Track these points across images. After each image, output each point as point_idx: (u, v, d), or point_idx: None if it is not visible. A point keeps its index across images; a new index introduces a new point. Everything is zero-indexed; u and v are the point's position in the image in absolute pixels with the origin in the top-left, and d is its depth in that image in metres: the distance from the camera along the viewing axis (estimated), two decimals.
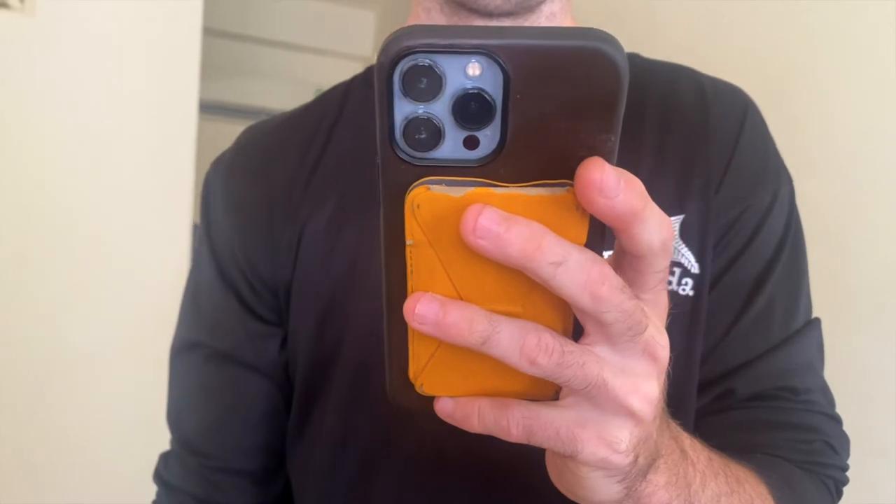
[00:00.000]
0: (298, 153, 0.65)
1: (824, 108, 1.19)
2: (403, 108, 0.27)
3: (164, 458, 0.67)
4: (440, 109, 0.27)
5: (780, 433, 0.55)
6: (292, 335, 0.63)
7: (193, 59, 1.63)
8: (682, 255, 0.57)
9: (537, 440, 0.31)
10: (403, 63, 0.26)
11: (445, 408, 0.33)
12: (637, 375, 0.31)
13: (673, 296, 0.57)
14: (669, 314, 0.34)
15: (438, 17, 0.63)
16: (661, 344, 0.31)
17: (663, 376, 0.32)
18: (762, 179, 0.59)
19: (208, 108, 1.95)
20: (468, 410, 0.33)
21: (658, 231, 0.29)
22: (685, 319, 0.57)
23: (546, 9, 0.62)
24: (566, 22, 0.65)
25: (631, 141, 0.59)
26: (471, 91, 0.26)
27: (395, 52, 0.26)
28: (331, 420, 0.60)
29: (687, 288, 0.57)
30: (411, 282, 0.30)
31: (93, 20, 1.52)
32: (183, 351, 0.67)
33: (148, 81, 1.58)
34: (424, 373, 0.33)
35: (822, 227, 1.18)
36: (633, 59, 0.67)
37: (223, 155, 0.70)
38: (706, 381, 0.58)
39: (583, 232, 0.29)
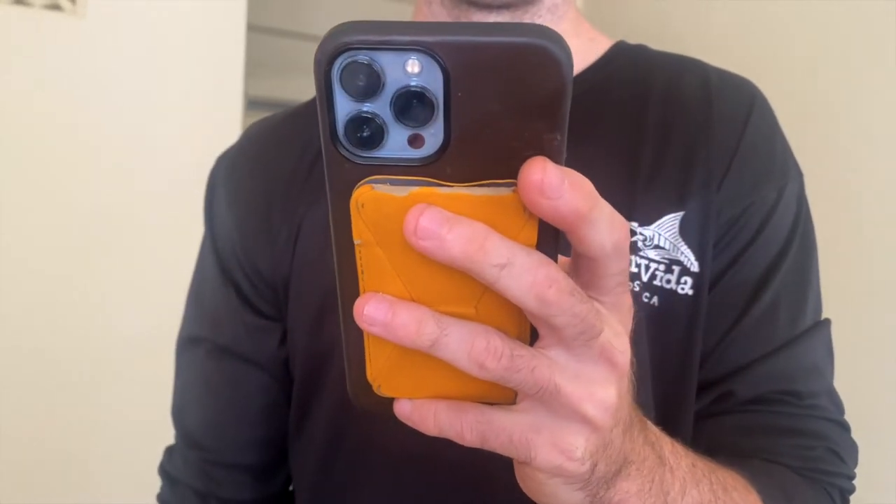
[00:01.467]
0: (299, 148, 0.65)
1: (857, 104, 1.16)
2: (345, 106, 0.26)
3: (169, 451, 0.68)
4: (381, 107, 0.26)
5: (781, 438, 0.53)
6: (291, 330, 0.63)
7: (238, 56, 1.64)
8: (682, 252, 0.55)
9: (491, 445, 0.31)
10: (341, 60, 0.25)
11: (403, 410, 0.33)
12: (592, 381, 0.30)
13: (671, 294, 0.55)
14: (636, 317, 0.33)
15: (439, 11, 0.62)
16: (619, 349, 0.30)
17: (625, 382, 0.31)
18: (767, 175, 0.57)
19: (254, 105, 1.96)
20: (425, 413, 0.32)
21: (609, 233, 0.28)
22: (684, 319, 0.55)
23: (548, 1, 0.61)
24: (570, 14, 0.64)
25: (630, 137, 0.58)
26: (410, 89, 0.26)
27: (331, 48, 0.25)
28: (325, 416, 0.60)
29: (686, 287, 0.55)
30: (363, 282, 0.30)
31: (140, 20, 1.54)
32: (186, 346, 0.68)
33: (193, 79, 1.60)
34: (382, 374, 0.33)
35: (848, 223, 1.15)
36: (639, 51, 0.65)
37: (228, 149, 0.71)
38: (706, 383, 0.56)
39: (532, 233, 0.28)
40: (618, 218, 0.28)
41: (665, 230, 0.56)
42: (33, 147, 1.47)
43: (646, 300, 0.55)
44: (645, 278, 0.55)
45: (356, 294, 0.30)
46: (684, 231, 0.56)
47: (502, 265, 0.26)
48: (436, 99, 0.26)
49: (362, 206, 0.28)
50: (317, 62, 0.25)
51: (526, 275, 0.27)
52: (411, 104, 0.26)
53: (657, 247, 0.55)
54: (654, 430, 0.39)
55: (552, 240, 0.29)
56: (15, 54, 1.45)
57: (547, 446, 0.30)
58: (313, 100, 0.71)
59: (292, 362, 0.64)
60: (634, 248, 0.55)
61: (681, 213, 0.56)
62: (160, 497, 0.68)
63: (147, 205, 1.55)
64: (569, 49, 0.25)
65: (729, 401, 0.55)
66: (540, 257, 0.27)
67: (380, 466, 0.57)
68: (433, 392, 0.32)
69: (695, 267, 0.55)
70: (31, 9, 1.47)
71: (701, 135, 0.58)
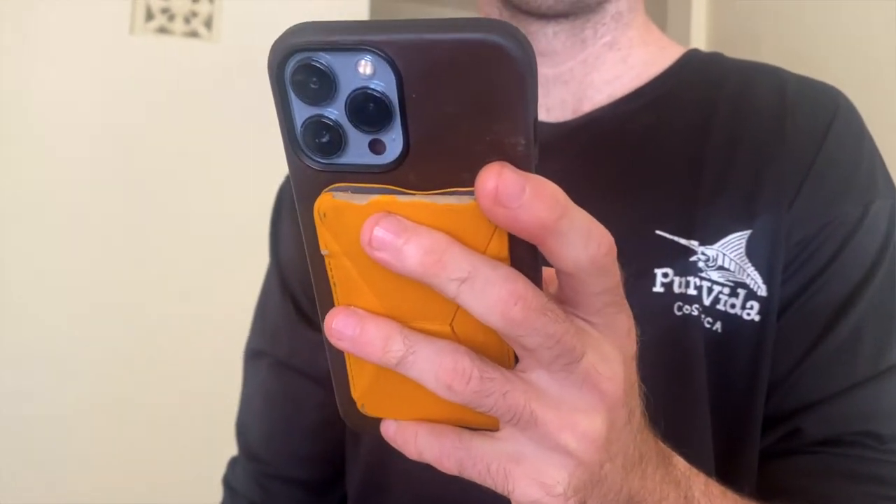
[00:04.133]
0: None
1: None
2: (301, 111, 0.25)
3: (232, 463, 0.69)
4: (338, 112, 0.25)
5: (857, 485, 0.47)
6: None
7: None
8: (749, 275, 0.51)
9: (468, 473, 0.29)
10: (292, 63, 0.24)
11: (388, 431, 0.31)
12: (576, 410, 0.27)
13: (736, 320, 0.51)
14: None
15: None
16: (607, 375, 0.27)
17: (618, 412, 0.28)
18: (849, 191, 0.52)
19: None
20: (407, 435, 0.30)
21: (584, 247, 0.25)
22: (749, 348, 0.51)
23: (611, 7, 0.58)
24: (637, 22, 0.61)
25: (693, 150, 0.54)
26: (364, 91, 0.24)
27: (281, 51, 0.24)
28: (369, 440, 0.59)
29: (752, 312, 0.51)
30: (336, 295, 0.29)
31: (267, 42, 1.62)
32: (250, 359, 0.69)
33: None
34: (365, 394, 0.31)
35: None
36: (712, 59, 0.61)
37: None
38: (772, 418, 0.51)
39: (502, 245, 0.26)
40: (597, 231, 0.25)
41: (730, 250, 0.51)
42: (174, 166, 1.56)
43: (707, 325, 0.51)
44: (707, 302, 0.51)
45: (331, 307, 0.29)
46: (751, 251, 0.51)
47: (462, 279, 0.24)
48: (391, 102, 0.24)
49: (324, 215, 0.27)
50: (269, 66, 0.25)
51: (489, 290, 0.24)
52: (367, 108, 0.24)
53: (721, 268, 0.51)
54: (683, 467, 0.35)
55: (529, 252, 0.26)
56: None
57: (526, 479, 0.28)
58: None
59: None
60: (695, 269, 0.51)
61: (748, 232, 0.51)
62: None
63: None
64: (527, 45, 0.23)
65: (798, 439, 0.50)
66: (507, 271, 0.25)
67: (415, 500, 0.56)
68: (416, 413, 0.31)
69: (762, 291, 0.51)
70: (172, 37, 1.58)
71: (772, 148, 0.53)
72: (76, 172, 1.52)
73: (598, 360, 0.27)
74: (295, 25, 0.25)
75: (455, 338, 0.28)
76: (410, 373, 0.27)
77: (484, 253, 0.26)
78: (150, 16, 1.60)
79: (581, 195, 0.55)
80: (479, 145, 0.24)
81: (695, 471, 0.37)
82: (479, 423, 0.30)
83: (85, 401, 1.50)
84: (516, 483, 0.28)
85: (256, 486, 0.65)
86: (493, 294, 0.24)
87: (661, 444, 0.35)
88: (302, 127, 0.25)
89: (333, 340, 0.28)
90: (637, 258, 0.52)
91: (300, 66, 0.24)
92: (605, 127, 0.58)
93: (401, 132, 0.25)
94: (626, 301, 0.29)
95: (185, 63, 1.60)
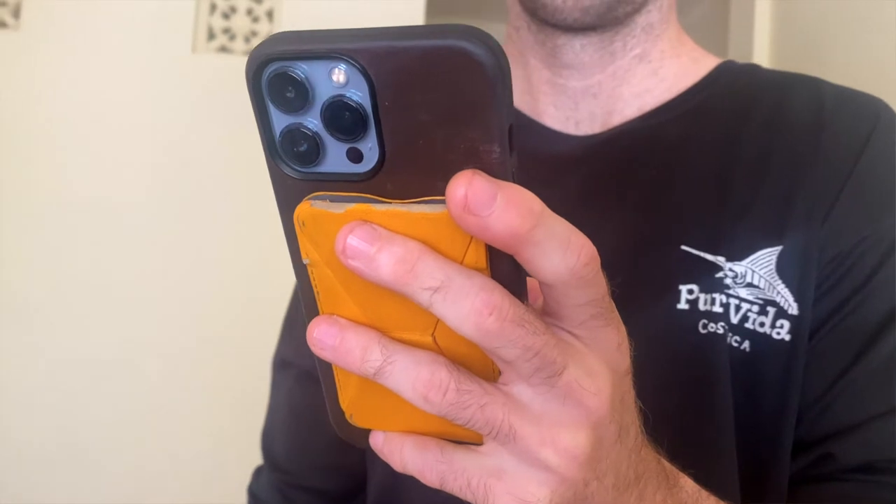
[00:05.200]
0: None
1: None
2: (279, 120, 0.25)
3: (257, 472, 0.70)
4: (313, 120, 0.25)
5: None
6: None
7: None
8: (779, 292, 0.49)
9: (449, 487, 0.28)
10: (267, 72, 0.25)
11: (376, 442, 0.31)
12: (558, 425, 0.26)
13: (765, 339, 0.49)
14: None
15: (526, 36, 0.60)
16: (591, 390, 0.26)
17: (605, 429, 0.27)
18: (889, 205, 0.50)
19: None
20: (393, 447, 0.30)
21: (562, 258, 0.24)
22: (779, 368, 0.49)
23: (641, 20, 0.57)
24: (669, 33, 0.59)
25: (722, 163, 0.53)
26: (337, 100, 0.24)
27: (257, 60, 0.25)
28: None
29: (783, 332, 0.49)
30: (320, 304, 0.29)
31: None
32: (278, 369, 0.69)
33: None
34: (353, 404, 0.31)
35: None
36: (747, 71, 0.59)
37: None
38: (802, 442, 0.49)
39: (479, 254, 0.25)
40: (577, 241, 0.25)
41: (759, 266, 0.49)
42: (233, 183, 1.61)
43: (735, 344, 0.49)
44: (735, 320, 0.49)
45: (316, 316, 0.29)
46: (782, 268, 0.49)
47: (434, 288, 0.24)
48: (365, 110, 0.24)
49: (303, 223, 0.27)
50: (245, 76, 0.25)
51: (463, 300, 0.24)
52: (342, 116, 0.25)
53: (750, 285, 0.49)
54: (691, 489, 0.34)
55: (509, 262, 0.26)
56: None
57: (506, 495, 0.27)
58: None
59: None
60: (721, 286, 0.49)
61: (778, 248, 0.49)
62: None
63: None
64: (498, 51, 0.23)
65: (830, 465, 0.47)
66: (483, 281, 0.25)
67: None
68: (403, 425, 0.30)
69: (793, 309, 0.49)
70: (233, 55, 1.63)
71: (806, 161, 0.51)
72: (136, 188, 1.57)
73: (582, 375, 0.26)
74: (272, 35, 0.25)
75: (437, 348, 0.27)
76: (388, 383, 0.27)
77: (461, 262, 0.25)
78: (211, 35, 1.65)
79: (607, 209, 0.55)
80: (453, 153, 0.24)
81: (704, 493, 0.35)
82: (466, 437, 0.29)
83: (148, 403, 1.53)
84: (496, 498, 0.27)
85: (279, 496, 0.66)
86: (466, 304, 0.24)
87: (666, 464, 0.34)
88: (280, 136, 0.26)
89: (315, 350, 0.28)
90: (661, 274, 0.51)
91: (275, 75, 0.24)
92: (633, 140, 0.57)
93: (376, 141, 0.25)
94: (614, 314, 0.28)
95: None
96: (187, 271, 1.58)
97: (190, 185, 1.59)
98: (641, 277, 0.52)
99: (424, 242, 0.25)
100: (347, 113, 0.24)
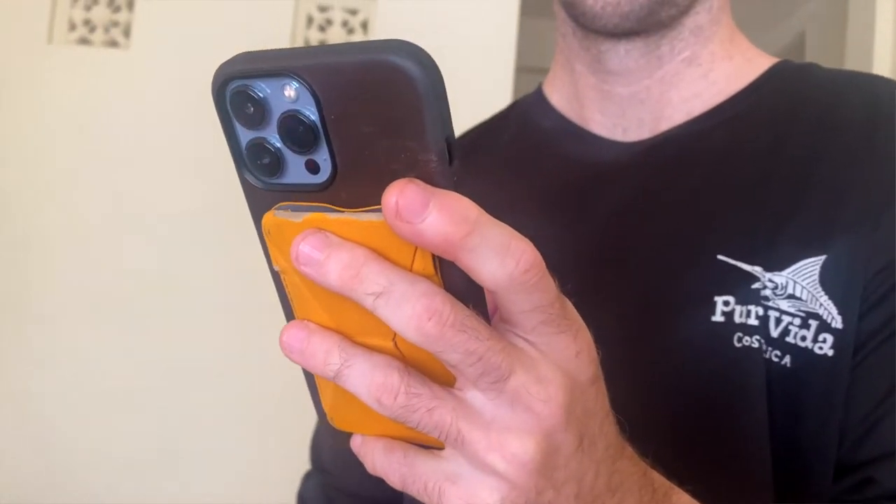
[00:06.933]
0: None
1: None
2: (244, 135, 0.27)
3: (305, 477, 0.72)
4: (272, 134, 0.27)
5: None
6: None
7: (506, 97, 1.72)
8: (822, 304, 0.46)
9: (410, 490, 0.29)
10: (229, 90, 0.26)
11: (355, 444, 0.32)
12: (506, 430, 0.27)
13: (807, 354, 0.46)
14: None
15: (572, 42, 0.60)
16: (540, 397, 0.26)
17: (559, 436, 0.27)
18: None
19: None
20: (367, 450, 0.31)
21: (500, 264, 0.24)
22: (821, 385, 0.46)
23: (689, 22, 0.56)
24: (720, 35, 0.57)
25: (763, 168, 0.51)
26: (290, 115, 0.26)
27: (219, 79, 0.26)
28: None
29: (825, 346, 0.46)
30: (294, 310, 0.30)
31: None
32: None
33: (464, 120, 1.71)
34: (332, 407, 0.32)
35: None
36: (802, 71, 0.57)
37: None
38: (845, 465, 0.46)
39: (426, 261, 0.26)
40: (517, 247, 0.25)
41: (802, 277, 0.47)
42: None
43: (776, 360, 0.47)
44: (775, 333, 0.47)
45: None
46: (825, 279, 0.47)
47: (377, 293, 0.25)
48: (315, 123, 0.26)
49: (269, 232, 0.28)
50: (211, 93, 0.27)
51: (404, 305, 0.25)
52: (296, 130, 0.26)
53: (791, 296, 0.47)
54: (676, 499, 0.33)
55: (457, 269, 0.26)
56: None
57: (457, 500, 0.28)
58: (494, 115, 0.72)
59: None
60: (758, 297, 0.47)
61: (821, 258, 0.47)
62: None
63: None
64: (428, 64, 0.24)
65: (871, 490, 0.44)
66: (425, 287, 0.25)
67: None
68: (378, 429, 0.31)
69: (837, 323, 0.46)
70: None
71: (857, 164, 0.48)
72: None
73: (531, 381, 0.26)
74: (235, 55, 0.26)
75: (398, 353, 0.28)
76: (347, 385, 0.28)
77: (410, 268, 0.26)
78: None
79: (650, 217, 0.54)
80: (396, 163, 0.25)
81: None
82: (432, 442, 0.30)
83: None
84: (448, 502, 0.28)
85: (324, 497, 0.68)
86: (407, 308, 0.25)
87: (655, 477, 0.33)
88: (245, 149, 0.27)
89: (285, 353, 0.29)
90: (698, 284, 0.49)
91: (236, 92, 0.26)
92: (678, 147, 0.56)
93: (328, 152, 0.26)
94: (569, 321, 0.27)
95: None
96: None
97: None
98: (679, 288, 0.50)
99: (375, 249, 0.26)
100: (301, 127, 0.26)
